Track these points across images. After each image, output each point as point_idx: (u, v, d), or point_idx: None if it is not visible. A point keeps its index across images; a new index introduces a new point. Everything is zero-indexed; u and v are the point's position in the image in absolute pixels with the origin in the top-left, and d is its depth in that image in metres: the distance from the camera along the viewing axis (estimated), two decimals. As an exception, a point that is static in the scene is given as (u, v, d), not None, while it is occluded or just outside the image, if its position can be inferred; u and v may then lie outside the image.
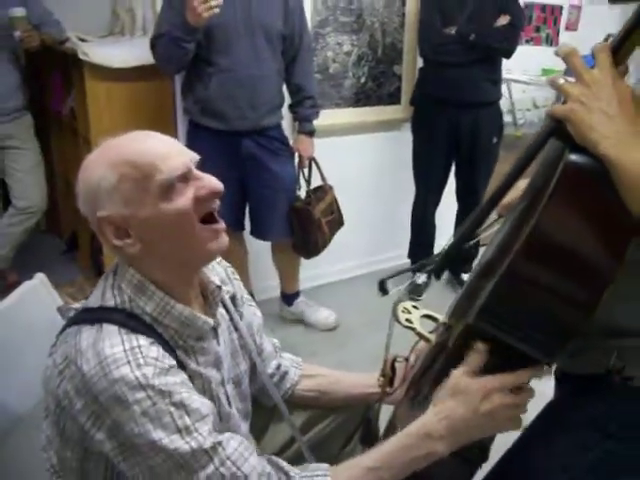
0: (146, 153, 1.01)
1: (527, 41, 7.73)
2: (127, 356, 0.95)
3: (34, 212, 3.30)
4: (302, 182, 3.00)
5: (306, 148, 2.93)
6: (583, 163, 0.84)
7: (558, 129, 0.89)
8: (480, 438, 1.04)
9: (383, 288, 1.29)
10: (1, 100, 3.06)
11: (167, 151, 1.03)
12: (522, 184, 1.08)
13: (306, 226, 2.91)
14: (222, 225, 1.07)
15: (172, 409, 0.96)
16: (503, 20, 3.22)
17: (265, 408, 1.40)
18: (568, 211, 0.85)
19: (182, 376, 1.01)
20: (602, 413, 1.05)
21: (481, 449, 1.09)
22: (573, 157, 0.85)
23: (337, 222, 3.06)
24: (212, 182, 1.05)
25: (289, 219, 2.92)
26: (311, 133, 2.93)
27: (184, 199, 1.01)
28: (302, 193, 2.99)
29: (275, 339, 1.45)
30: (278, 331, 3.02)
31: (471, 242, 1.06)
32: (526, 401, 1.01)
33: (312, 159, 2.98)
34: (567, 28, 7.74)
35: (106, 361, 0.94)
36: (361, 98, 3.49)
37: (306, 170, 2.99)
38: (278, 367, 1.40)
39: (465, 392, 0.99)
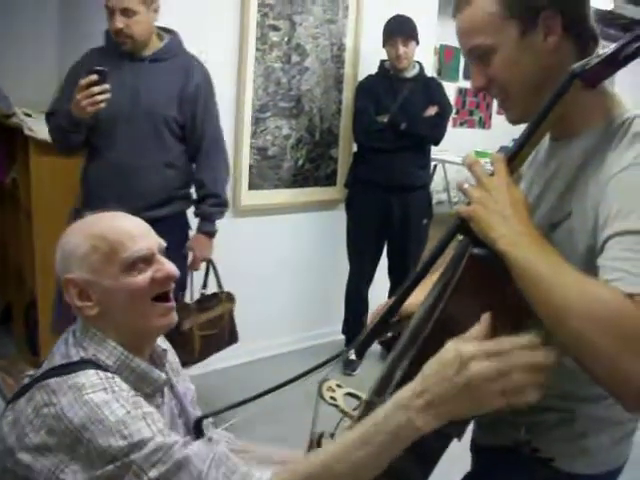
0: (117, 231, 1.15)
1: (461, 124, 8.17)
2: (103, 383, 1.03)
3: (-32, 282, 3.25)
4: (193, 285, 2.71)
5: (202, 249, 2.64)
6: (484, 256, 0.97)
7: (463, 227, 1.02)
8: (468, 415, 0.91)
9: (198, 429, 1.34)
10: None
11: (137, 232, 1.17)
12: (419, 294, 1.19)
13: (172, 338, 2.76)
14: (172, 304, 1.20)
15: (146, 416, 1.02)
16: (431, 110, 3.46)
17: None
18: (471, 298, 0.97)
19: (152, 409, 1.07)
20: None
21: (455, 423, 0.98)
22: (476, 251, 0.98)
23: (221, 338, 2.76)
24: (169, 268, 1.18)
25: None
26: (210, 234, 2.65)
27: (142, 278, 1.14)
28: (189, 297, 2.69)
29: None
30: (213, 404, 3.01)
31: (387, 333, 1.18)
32: (519, 374, 0.83)
33: (209, 261, 2.72)
34: (499, 112, 8.23)
35: (83, 387, 1.01)
36: (298, 179, 3.63)
37: (199, 273, 2.71)
38: (209, 440, 1.44)
39: (441, 361, 0.88)
